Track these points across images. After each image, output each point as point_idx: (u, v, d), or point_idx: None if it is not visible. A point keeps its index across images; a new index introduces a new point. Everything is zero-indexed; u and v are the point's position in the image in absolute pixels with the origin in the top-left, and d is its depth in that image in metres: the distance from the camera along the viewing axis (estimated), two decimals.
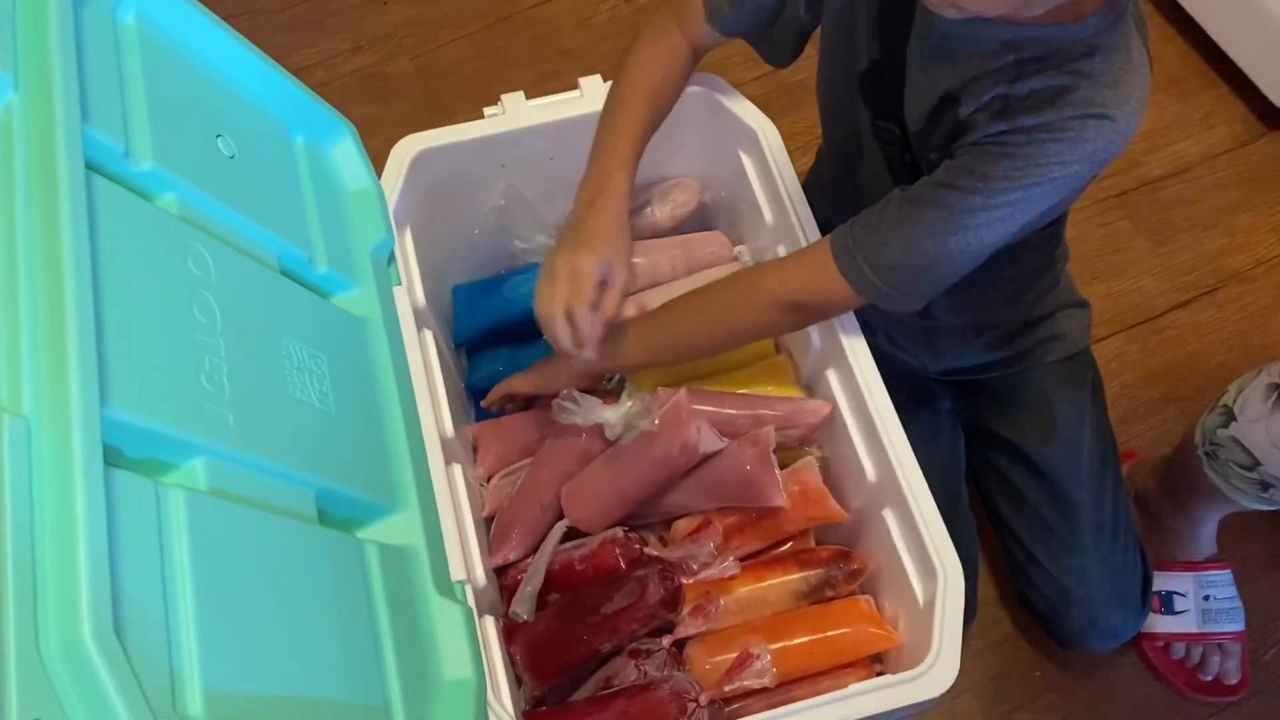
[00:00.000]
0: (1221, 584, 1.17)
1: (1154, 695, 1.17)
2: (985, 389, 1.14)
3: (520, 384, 1.04)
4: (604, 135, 0.96)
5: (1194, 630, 1.15)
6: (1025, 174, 0.76)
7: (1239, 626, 1.16)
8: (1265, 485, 0.99)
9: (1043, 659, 1.18)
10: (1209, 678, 1.15)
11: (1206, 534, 1.18)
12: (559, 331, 0.89)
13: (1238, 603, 1.17)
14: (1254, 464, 0.97)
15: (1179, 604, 1.17)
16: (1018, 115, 0.77)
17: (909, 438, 0.88)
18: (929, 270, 0.83)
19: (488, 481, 1.04)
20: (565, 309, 0.89)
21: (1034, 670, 1.18)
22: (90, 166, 0.63)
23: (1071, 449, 1.08)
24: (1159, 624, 1.16)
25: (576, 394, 0.93)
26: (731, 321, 0.93)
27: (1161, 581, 1.16)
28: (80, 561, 0.50)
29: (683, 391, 0.92)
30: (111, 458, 0.58)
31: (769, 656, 0.83)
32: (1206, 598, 1.17)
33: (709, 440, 0.91)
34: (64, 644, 0.49)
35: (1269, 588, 1.22)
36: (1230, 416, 0.98)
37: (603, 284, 0.90)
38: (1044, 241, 0.99)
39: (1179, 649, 1.16)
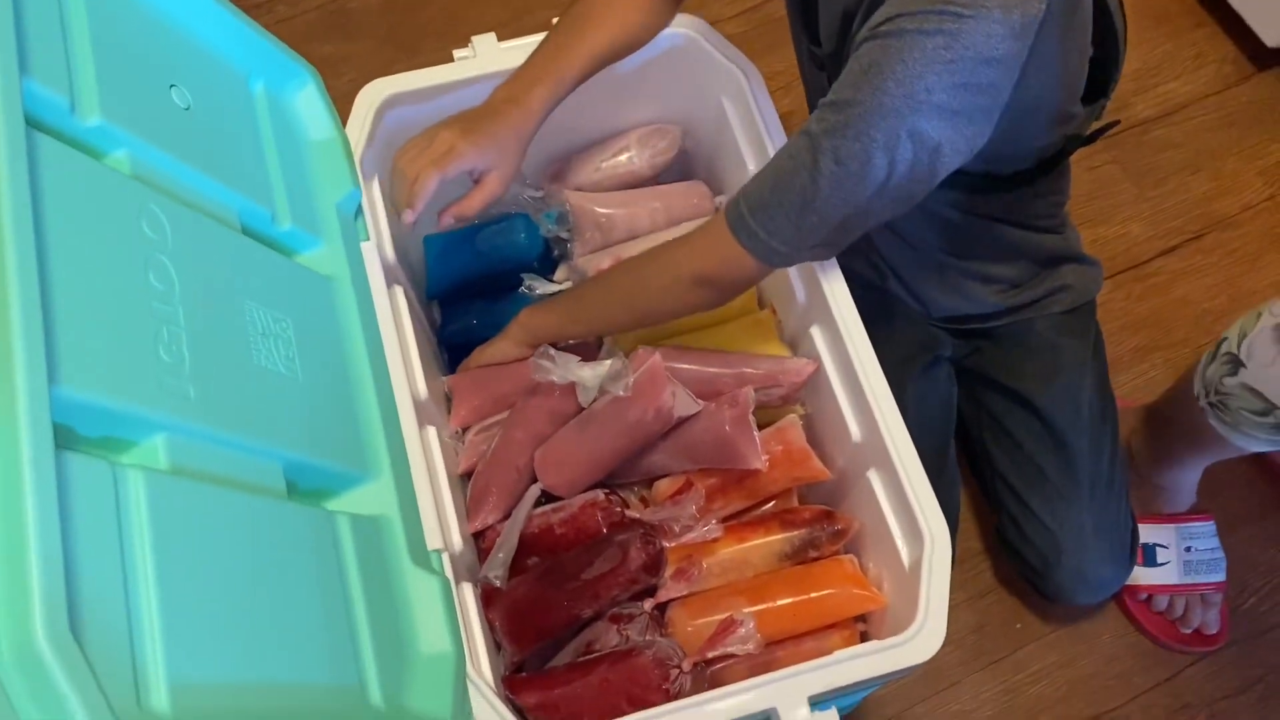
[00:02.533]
0: (1203, 535, 1.17)
1: (1134, 646, 1.17)
2: (989, 336, 1.12)
3: (477, 359, 1.02)
4: (549, 43, 0.92)
5: (1175, 582, 1.15)
6: (876, 85, 0.71)
7: (1220, 577, 1.16)
8: None
9: (1024, 611, 1.18)
10: (1189, 630, 1.15)
11: (1190, 484, 1.18)
12: (398, 185, 0.89)
13: (1219, 554, 1.16)
14: (1269, 408, 0.95)
15: (1161, 556, 1.16)
16: (877, 26, 0.72)
17: (905, 385, 0.86)
18: (804, 212, 0.77)
19: (463, 433, 1.01)
20: (416, 173, 0.87)
21: (1015, 622, 1.18)
22: (31, 123, 0.59)
23: (1073, 397, 1.07)
24: (1141, 576, 1.16)
25: (553, 351, 0.90)
26: (646, 300, 0.90)
27: (1143, 534, 1.16)
28: (31, 555, 0.47)
29: (656, 355, 0.89)
30: (63, 439, 0.55)
31: (753, 623, 0.82)
32: (1188, 549, 1.16)
33: (684, 404, 0.89)
34: (15, 646, 0.46)
35: (1248, 537, 1.22)
36: (1238, 363, 0.96)
37: (476, 183, 0.89)
38: (1044, 183, 0.97)
39: (1161, 601, 1.16)
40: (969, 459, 1.20)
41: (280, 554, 0.65)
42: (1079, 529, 1.06)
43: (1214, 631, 1.16)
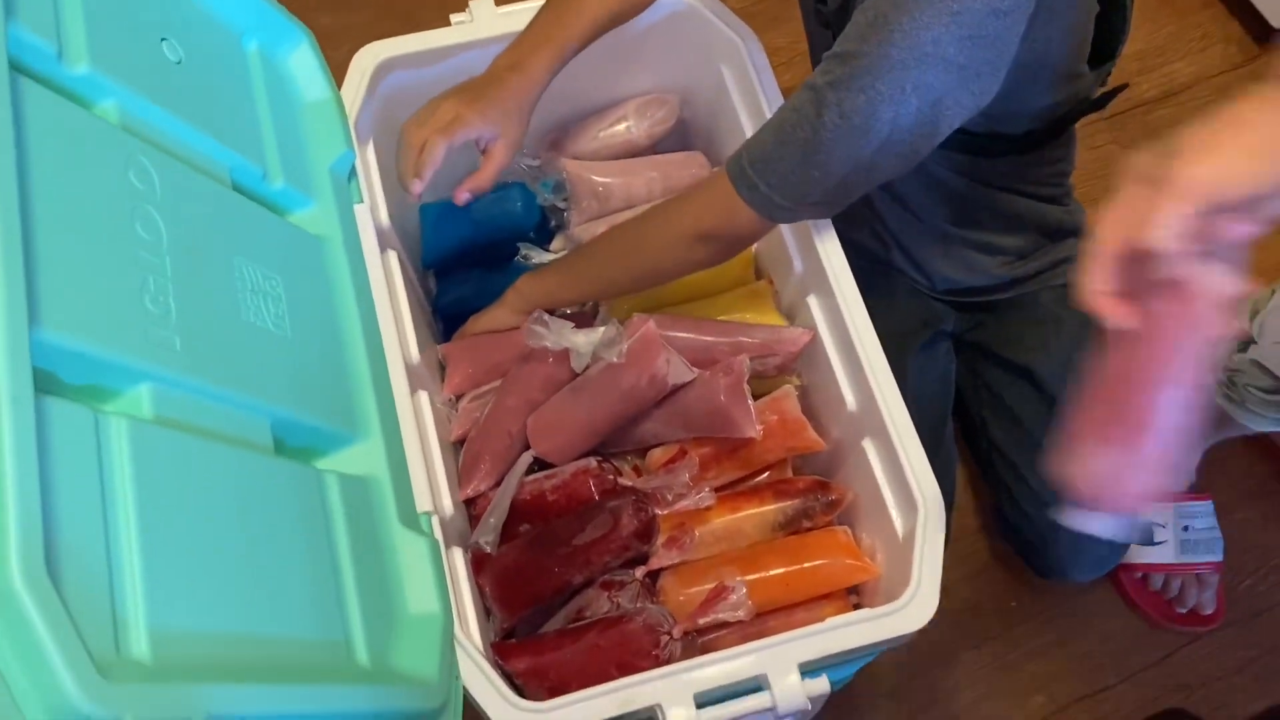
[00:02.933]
0: (1201, 515, 1.16)
1: (1129, 626, 1.16)
2: (991, 309, 1.11)
3: (472, 327, 1.01)
4: (550, 9, 0.91)
5: (1172, 561, 1.15)
6: (882, 38, 0.70)
7: (1217, 557, 1.15)
8: None
9: (1018, 589, 1.18)
10: (1185, 610, 1.15)
11: (1190, 464, 1.17)
12: (404, 156, 0.89)
13: (1217, 533, 1.16)
14: (1277, 386, 0.94)
15: (1158, 534, 1.16)
16: None
17: (906, 361, 0.85)
18: (807, 166, 0.76)
19: (457, 402, 1.01)
20: (422, 142, 0.87)
21: (1009, 601, 1.17)
22: (16, 68, 0.58)
23: (1074, 368, 1.06)
24: (1137, 555, 1.15)
25: (547, 316, 0.89)
26: (644, 259, 0.90)
27: None
28: (8, 496, 0.47)
29: (650, 323, 0.89)
30: (44, 384, 0.54)
31: (744, 589, 0.81)
32: (1186, 528, 1.16)
33: (678, 372, 0.88)
34: None
35: (1247, 519, 1.21)
36: (1248, 340, 0.96)
37: (483, 154, 0.89)
38: (1050, 149, 0.96)
39: (1157, 580, 1.16)
40: (966, 437, 1.19)
41: (266, 508, 0.65)
42: None
43: (1210, 611, 1.15)
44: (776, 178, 0.78)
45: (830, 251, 0.89)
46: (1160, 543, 1.16)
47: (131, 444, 0.56)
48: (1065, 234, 1.06)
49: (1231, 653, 1.14)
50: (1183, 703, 1.11)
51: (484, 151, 0.90)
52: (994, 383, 1.11)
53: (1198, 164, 0.50)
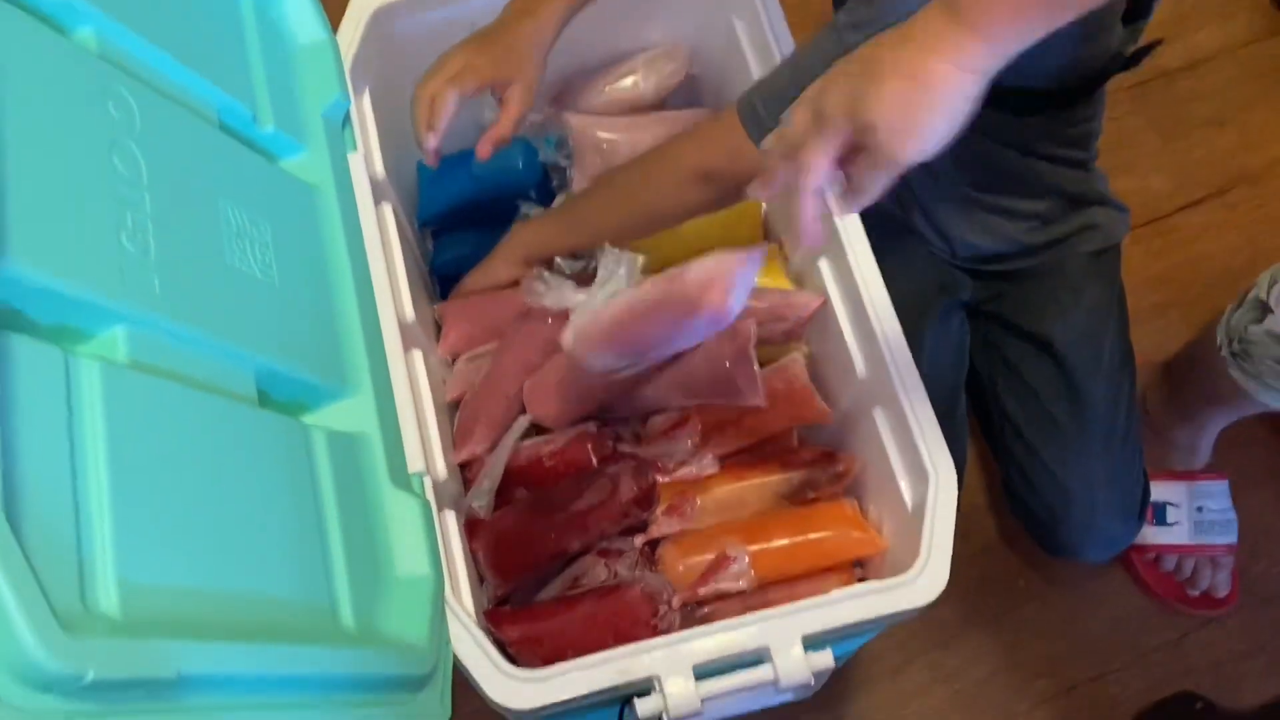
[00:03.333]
0: (1216, 495, 1.13)
1: (1140, 607, 1.14)
2: (1012, 278, 1.08)
3: (468, 284, 0.98)
4: None
5: (1186, 542, 1.12)
6: None
7: (1231, 539, 1.12)
8: None
9: (1027, 568, 1.15)
10: (1197, 592, 1.12)
11: (1206, 443, 1.14)
12: (418, 111, 0.87)
13: (1231, 515, 1.13)
14: None
15: (1171, 515, 1.13)
16: None
17: (922, 329, 0.82)
18: None
19: (453, 362, 0.97)
20: (433, 94, 0.85)
21: (1017, 579, 1.15)
22: None
23: (1094, 342, 1.03)
24: (1149, 535, 1.12)
25: (547, 274, 0.86)
26: (645, 200, 0.88)
27: (1154, 492, 1.12)
28: None
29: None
30: (10, 321, 0.51)
31: (747, 559, 0.78)
32: (1200, 509, 1.13)
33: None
34: None
35: (1264, 500, 1.18)
36: (1265, 310, 0.92)
37: (502, 104, 0.86)
38: (1079, 109, 0.93)
39: (1169, 561, 1.13)
40: (977, 411, 1.16)
41: (248, 461, 0.61)
42: (1089, 481, 1.02)
43: (1224, 594, 1.12)
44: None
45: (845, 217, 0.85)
46: (1174, 523, 1.13)
47: (104, 387, 0.53)
48: (1089, 202, 1.03)
49: (1243, 637, 1.12)
50: (1193, 687, 1.08)
51: (500, 101, 0.86)
52: (1011, 355, 1.07)
53: (902, 147, 0.57)
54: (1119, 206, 1.05)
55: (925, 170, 0.98)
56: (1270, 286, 0.93)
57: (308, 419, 0.71)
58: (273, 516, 0.62)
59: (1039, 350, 1.05)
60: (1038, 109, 0.90)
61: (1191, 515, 1.12)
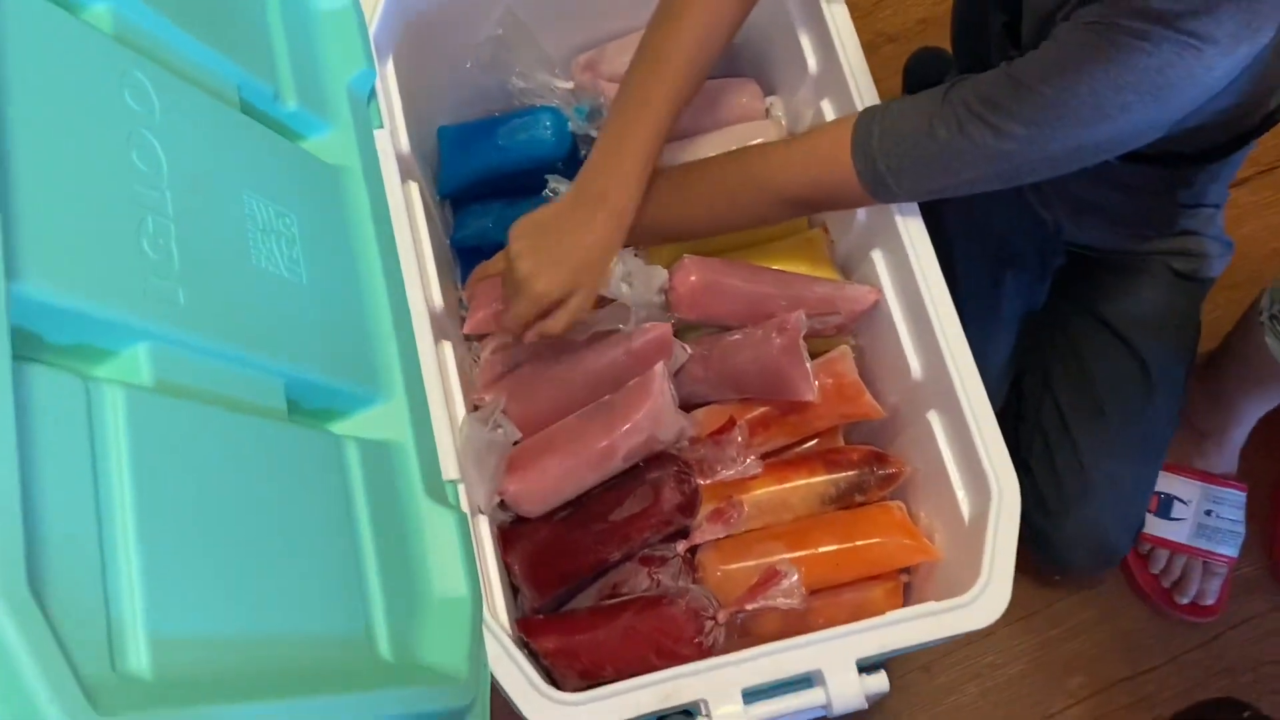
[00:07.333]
0: (1230, 503, 1.09)
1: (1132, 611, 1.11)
2: (1102, 267, 1.04)
3: (497, 265, 0.92)
4: (624, 116, 0.78)
5: (1183, 541, 1.08)
6: (1066, 85, 0.65)
7: (1233, 553, 1.08)
8: None
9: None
10: (1185, 600, 1.08)
11: (1236, 439, 1.10)
12: (494, 330, 0.86)
13: (1241, 528, 1.09)
14: None
15: (1177, 510, 1.09)
16: (1095, 15, 0.65)
17: (1004, 274, 0.84)
18: (942, 173, 0.73)
19: (478, 342, 0.92)
20: (504, 328, 0.79)
21: (1050, 575, 1.11)
22: None
23: (1173, 350, 1.00)
24: (1149, 525, 1.08)
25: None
26: (722, 210, 0.82)
27: (1165, 483, 1.08)
28: None
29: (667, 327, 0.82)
30: (24, 348, 0.46)
31: (797, 575, 0.74)
32: (1209, 513, 1.09)
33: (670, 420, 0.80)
34: None
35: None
36: None
37: (558, 305, 0.77)
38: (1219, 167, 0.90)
39: (1160, 558, 1.09)
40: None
41: (280, 485, 0.57)
42: (1114, 481, 0.98)
43: (1210, 603, 1.08)
44: (904, 169, 0.73)
45: (903, 205, 0.80)
46: (1177, 519, 1.09)
47: (129, 417, 0.48)
48: (1195, 233, 0.99)
49: None
50: (1229, 687, 1.06)
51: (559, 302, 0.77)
52: (1074, 331, 1.04)
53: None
54: (1226, 241, 1.01)
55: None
56: None
57: (339, 427, 0.67)
58: (307, 545, 0.57)
59: (1109, 335, 1.01)
60: (1193, 162, 0.88)
61: (1198, 516, 1.08)
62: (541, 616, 0.78)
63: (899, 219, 0.80)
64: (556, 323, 0.77)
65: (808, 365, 0.81)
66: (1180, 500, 1.09)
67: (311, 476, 0.60)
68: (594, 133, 0.99)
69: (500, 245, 0.93)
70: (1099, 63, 0.64)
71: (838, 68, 0.85)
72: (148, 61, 0.58)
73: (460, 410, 0.76)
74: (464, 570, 0.67)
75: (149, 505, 0.47)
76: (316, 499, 0.59)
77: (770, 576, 0.74)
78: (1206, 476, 1.10)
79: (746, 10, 0.80)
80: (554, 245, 0.76)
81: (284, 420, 0.60)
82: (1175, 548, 1.08)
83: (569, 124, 1.00)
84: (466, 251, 1.03)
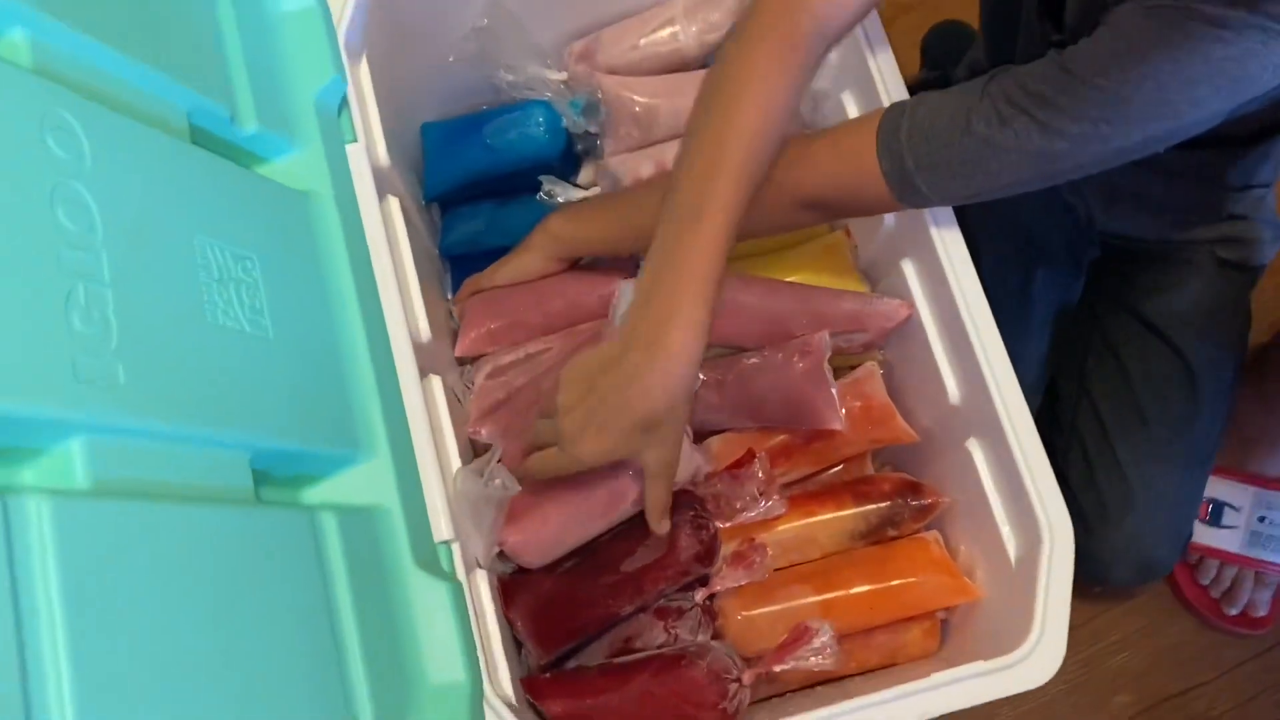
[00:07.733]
0: None
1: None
2: (1139, 259, 0.97)
3: (491, 278, 0.84)
4: (673, 232, 0.62)
5: (1235, 550, 1.02)
6: (1130, 78, 0.58)
7: None
8: None
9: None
10: (1235, 610, 1.02)
11: None
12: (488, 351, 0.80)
13: None
14: None
15: (1228, 517, 1.02)
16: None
17: (1034, 270, 0.81)
18: (980, 176, 0.64)
19: (470, 366, 0.85)
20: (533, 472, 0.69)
21: (1091, 588, 1.04)
22: None
23: (1213, 348, 0.93)
24: (1197, 534, 1.02)
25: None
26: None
27: (1215, 489, 1.01)
28: None
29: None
30: None
31: (830, 633, 0.67)
32: (1263, 519, 1.02)
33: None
34: None
35: None
36: None
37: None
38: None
39: (1210, 568, 1.03)
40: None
41: (247, 579, 0.50)
42: (1155, 489, 0.92)
43: (1262, 614, 1.02)
44: (937, 162, 0.65)
45: (936, 209, 0.72)
46: (1229, 526, 1.02)
47: (56, 532, 0.41)
48: (1244, 218, 0.92)
49: None
50: None
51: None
52: (1112, 331, 0.97)
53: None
54: (1277, 225, 0.94)
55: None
56: None
57: (315, 494, 0.60)
58: (281, 641, 0.50)
59: (1150, 335, 0.94)
60: (1245, 144, 0.82)
61: (1250, 523, 1.02)
62: (549, 675, 0.71)
63: (933, 228, 0.72)
64: (655, 497, 0.66)
65: (834, 391, 0.74)
66: (1231, 506, 1.03)
67: (283, 563, 0.53)
68: (591, 129, 0.91)
69: (493, 250, 0.86)
70: (1167, 53, 0.56)
71: (859, 55, 0.77)
72: (75, 96, 0.50)
73: (453, 456, 0.69)
74: (460, 649, 0.60)
75: (84, 637, 0.40)
76: (290, 587, 0.52)
77: (801, 634, 0.68)
78: (1258, 480, 1.04)
79: (808, 81, 0.67)
80: (599, 404, 0.61)
81: (249, 503, 0.52)
82: (1227, 558, 1.02)
83: (563, 119, 0.92)
84: (457, 259, 0.95)
